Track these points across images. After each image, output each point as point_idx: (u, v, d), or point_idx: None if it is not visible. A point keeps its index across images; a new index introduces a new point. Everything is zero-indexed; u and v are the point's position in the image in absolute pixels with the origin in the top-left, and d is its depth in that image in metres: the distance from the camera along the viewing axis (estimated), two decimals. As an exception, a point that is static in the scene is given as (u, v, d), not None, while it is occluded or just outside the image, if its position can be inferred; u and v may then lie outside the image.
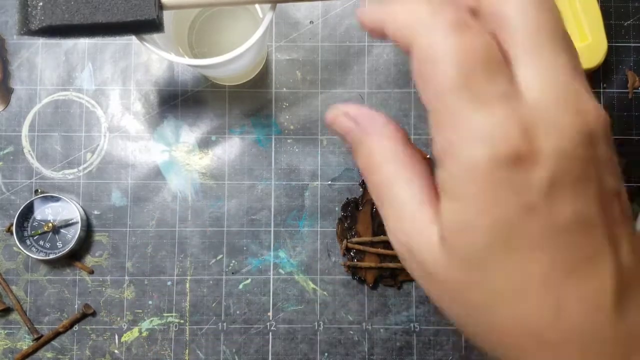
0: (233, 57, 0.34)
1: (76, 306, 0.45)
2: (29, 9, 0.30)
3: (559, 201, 0.17)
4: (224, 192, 0.46)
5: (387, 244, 0.45)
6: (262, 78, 0.46)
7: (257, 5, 0.42)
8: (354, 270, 0.45)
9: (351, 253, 0.45)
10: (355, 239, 0.45)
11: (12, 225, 0.44)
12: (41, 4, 0.30)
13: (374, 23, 0.20)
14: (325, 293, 0.45)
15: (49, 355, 0.45)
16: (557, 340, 0.17)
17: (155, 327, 0.45)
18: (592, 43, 0.45)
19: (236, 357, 0.45)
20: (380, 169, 0.20)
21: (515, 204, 0.17)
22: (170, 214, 0.46)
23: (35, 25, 0.30)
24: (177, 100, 0.46)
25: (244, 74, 0.45)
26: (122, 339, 0.45)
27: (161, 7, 0.30)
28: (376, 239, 0.45)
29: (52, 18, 0.30)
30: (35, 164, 0.46)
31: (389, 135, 0.21)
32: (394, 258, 0.45)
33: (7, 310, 0.45)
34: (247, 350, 0.45)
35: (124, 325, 0.45)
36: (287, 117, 0.46)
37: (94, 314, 0.45)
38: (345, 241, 0.45)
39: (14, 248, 0.45)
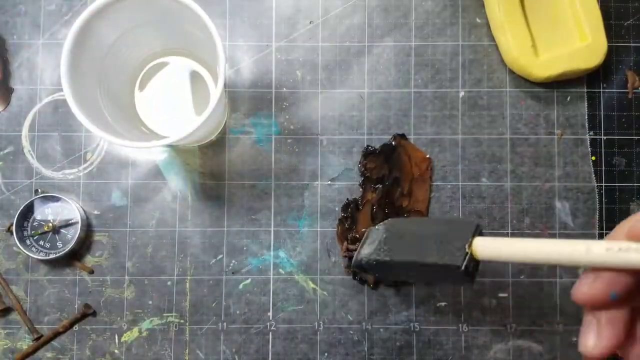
0: (191, 131, 0.34)
1: (76, 306, 0.45)
2: (375, 248, 0.37)
3: None
4: (224, 192, 0.46)
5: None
6: (261, 79, 0.46)
7: (209, 77, 0.44)
8: (354, 272, 0.45)
9: (352, 253, 0.45)
10: (355, 231, 0.45)
11: (12, 225, 0.44)
12: (386, 247, 0.37)
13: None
14: (325, 293, 0.45)
15: (49, 355, 0.45)
16: None
17: (155, 327, 0.45)
18: (592, 43, 0.45)
19: (236, 357, 0.45)
20: None
21: None
22: (170, 214, 0.46)
23: (375, 256, 0.37)
24: (177, 100, 0.46)
25: (205, 137, 0.45)
26: (122, 339, 0.45)
27: (474, 272, 0.34)
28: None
29: (390, 255, 0.36)
30: (35, 164, 0.46)
31: None
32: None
33: (7, 310, 0.45)
34: (247, 350, 0.45)
35: (124, 325, 0.45)
36: (287, 117, 0.46)
37: (94, 314, 0.45)
38: (345, 243, 0.45)
39: (14, 248, 0.45)
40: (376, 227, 0.39)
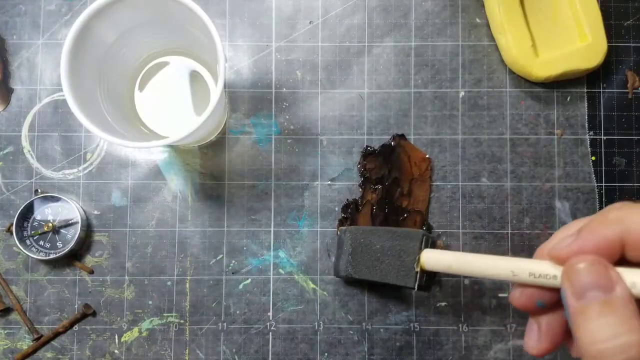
0: (191, 131, 0.34)
1: (76, 306, 0.45)
2: (346, 261, 0.42)
3: None
4: (224, 192, 0.46)
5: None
6: (261, 79, 0.46)
7: (209, 76, 0.45)
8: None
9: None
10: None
11: (12, 225, 0.44)
12: (353, 262, 0.41)
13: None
14: (325, 293, 0.45)
15: (49, 355, 0.45)
16: None
17: (155, 327, 0.45)
18: (592, 43, 0.45)
19: (236, 357, 0.45)
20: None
21: None
22: (170, 214, 0.46)
23: (346, 274, 0.42)
24: (177, 100, 0.46)
25: (205, 138, 0.45)
26: (122, 339, 0.45)
27: (428, 284, 0.38)
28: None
29: (356, 272, 0.41)
30: (35, 164, 0.46)
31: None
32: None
33: (7, 310, 0.45)
34: (247, 350, 0.45)
35: (124, 325, 0.45)
36: (287, 117, 0.46)
37: (94, 314, 0.45)
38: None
39: (14, 248, 0.45)
40: (342, 234, 0.43)
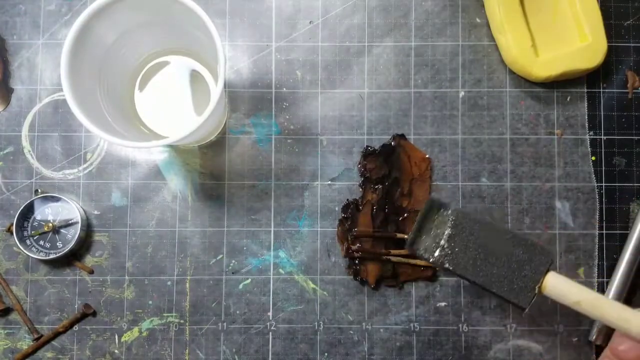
0: (191, 131, 0.34)
1: (76, 306, 0.45)
2: (437, 244, 0.36)
3: None
4: (224, 192, 0.46)
5: (388, 241, 0.45)
6: (261, 79, 0.46)
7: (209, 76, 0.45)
8: (355, 271, 0.45)
9: (354, 253, 0.45)
10: (356, 231, 0.45)
11: (12, 225, 0.44)
12: (449, 250, 0.36)
13: None
14: (325, 293, 0.45)
15: (49, 355, 0.45)
16: None
17: (155, 327, 0.45)
18: (592, 43, 0.45)
19: (236, 357, 0.45)
20: None
21: None
22: (170, 214, 0.46)
23: (435, 260, 0.36)
24: (177, 100, 0.46)
25: (205, 137, 0.45)
26: (122, 339, 0.45)
27: (534, 300, 0.34)
28: (378, 234, 0.45)
29: (454, 265, 0.36)
30: (35, 164, 0.46)
31: None
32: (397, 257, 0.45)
33: (7, 310, 0.45)
34: (247, 350, 0.45)
35: (124, 325, 0.45)
36: (287, 117, 0.46)
37: (94, 314, 0.45)
38: (347, 243, 0.45)
39: (14, 248, 0.45)
40: (442, 212, 0.37)
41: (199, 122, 0.34)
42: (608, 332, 0.44)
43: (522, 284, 0.34)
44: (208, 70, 0.45)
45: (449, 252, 0.36)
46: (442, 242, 0.36)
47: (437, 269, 0.42)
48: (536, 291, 0.34)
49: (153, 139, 0.35)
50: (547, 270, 0.34)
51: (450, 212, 0.37)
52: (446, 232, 0.36)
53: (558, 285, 0.33)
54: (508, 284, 0.34)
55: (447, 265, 0.36)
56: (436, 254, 0.36)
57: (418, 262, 0.45)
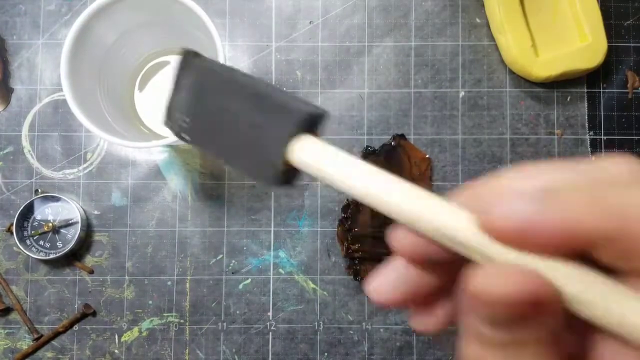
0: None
1: (76, 306, 0.45)
2: (176, 115, 0.26)
3: None
4: (224, 192, 0.46)
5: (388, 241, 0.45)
6: (262, 79, 0.46)
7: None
8: (355, 272, 0.45)
9: (354, 254, 0.45)
10: (357, 232, 0.45)
11: (12, 225, 0.44)
12: (187, 119, 0.25)
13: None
14: (325, 293, 0.45)
15: (49, 355, 0.45)
16: None
17: (155, 327, 0.45)
18: (592, 43, 0.45)
19: (236, 357, 0.45)
20: None
21: None
22: (170, 214, 0.46)
23: (175, 130, 0.26)
24: (177, 100, 0.46)
25: None
26: (122, 339, 0.45)
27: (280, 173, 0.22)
28: (378, 234, 0.45)
29: (191, 134, 0.25)
30: (35, 164, 0.46)
31: None
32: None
33: (7, 310, 0.45)
34: (247, 350, 0.45)
35: (124, 325, 0.45)
36: (287, 117, 0.46)
37: (94, 314, 0.45)
38: (346, 243, 0.45)
39: (14, 248, 0.45)
40: (186, 70, 0.26)
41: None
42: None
43: (266, 155, 0.23)
44: None
45: (188, 121, 0.26)
46: (184, 107, 0.26)
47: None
48: (280, 159, 0.22)
49: (153, 139, 0.35)
50: (299, 131, 0.22)
51: (196, 65, 0.26)
52: (192, 96, 0.26)
53: (311, 151, 0.22)
54: (250, 158, 0.23)
55: (184, 135, 0.26)
56: (179, 125, 0.26)
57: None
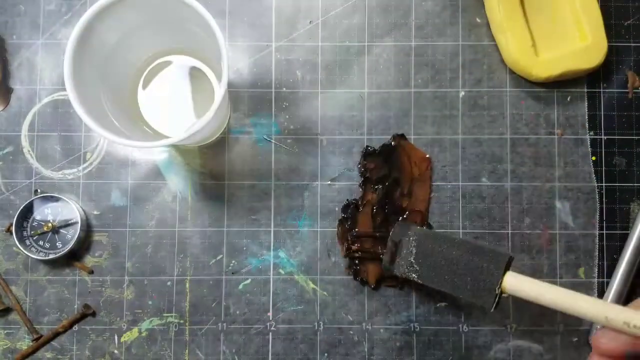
0: (193, 132, 0.34)
1: (76, 306, 0.45)
2: (407, 262, 0.40)
3: None
4: (224, 192, 0.46)
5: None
6: (261, 79, 0.46)
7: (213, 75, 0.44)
8: (355, 272, 0.45)
9: (354, 254, 0.45)
10: (357, 232, 0.45)
11: (11, 225, 0.44)
12: (417, 266, 0.40)
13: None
14: (325, 293, 0.45)
15: (49, 355, 0.45)
16: None
17: (155, 327, 0.45)
18: (592, 43, 0.45)
19: (236, 357, 0.45)
20: None
21: None
22: (170, 214, 0.46)
23: (408, 276, 0.40)
24: (177, 100, 0.46)
25: (208, 137, 0.45)
26: (122, 339, 0.45)
27: (498, 302, 0.37)
28: (379, 234, 0.45)
29: (423, 278, 0.40)
30: (35, 164, 0.46)
31: None
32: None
33: (7, 310, 0.45)
34: (247, 350, 0.45)
35: (124, 325, 0.45)
36: (287, 117, 0.46)
37: (93, 314, 0.45)
38: (347, 243, 0.45)
39: (14, 248, 0.45)
40: (402, 230, 0.41)
41: (204, 120, 0.34)
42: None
43: (484, 286, 0.37)
44: (211, 69, 0.45)
45: (417, 267, 0.40)
46: (411, 259, 0.40)
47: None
48: (496, 292, 0.36)
49: (156, 139, 0.35)
50: (505, 272, 0.36)
51: (412, 233, 0.41)
52: (413, 252, 0.40)
53: (517, 284, 0.35)
54: (472, 289, 0.37)
55: (417, 280, 0.40)
56: (407, 271, 0.40)
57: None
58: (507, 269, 0.37)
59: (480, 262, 0.37)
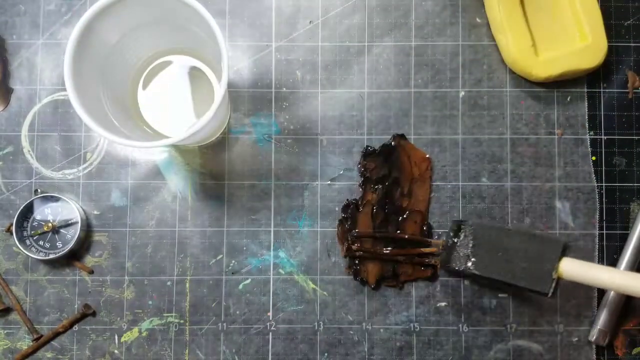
0: (194, 131, 0.34)
1: (76, 306, 0.45)
2: (465, 256, 0.42)
3: None
4: (224, 192, 0.46)
5: (388, 241, 0.45)
6: (261, 79, 0.46)
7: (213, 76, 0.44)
8: (355, 271, 0.45)
9: (355, 253, 0.45)
10: (357, 232, 0.45)
11: (11, 225, 0.44)
12: (475, 259, 0.41)
13: None
14: (325, 293, 0.45)
15: (49, 355, 0.45)
16: None
17: (155, 327, 0.45)
18: (592, 43, 0.45)
19: (236, 357, 0.45)
20: None
21: None
22: (170, 214, 0.46)
23: (467, 269, 0.41)
24: (177, 100, 0.46)
25: (208, 137, 0.45)
26: (122, 339, 0.45)
27: (556, 288, 0.38)
28: (379, 233, 0.45)
29: (482, 270, 0.41)
30: (35, 164, 0.46)
31: None
32: (396, 257, 0.45)
33: (7, 310, 0.45)
34: (247, 350, 0.45)
35: (124, 325, 0.45)
36: (287, 117, 0.46)
37: (93, 314, 0.45)
38: (347, 243, 0.45)
39: (14, 248, 0.45)
40: (459, 226, 0.43)
41: (204, 120, 0.34)
42: (609, 332, 0.44)
43: (541, 273, 0.38)
44: (211, 69, 0.45)
45: (475, 260, 0.41)
46: (469, 253, 0.41)
47: (466, 275, 0.45)
48: (554, 276, 0.38)
49: (156, 139, 0.35)
50: (561, 257, 0.38)
51: (469, 227, 0.42)
52: (470, 245, 0.42)
53: (573, 268, 0.37)
54: (529, 276, 0.39)
55: (477, 272, 0.41)
56: (467, 264, 0.41)
57: (420, 260, 0.45)
58: (563, 255, 0.38)
59: (536, 250, 0.39)
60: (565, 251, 0.39)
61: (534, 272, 0.39)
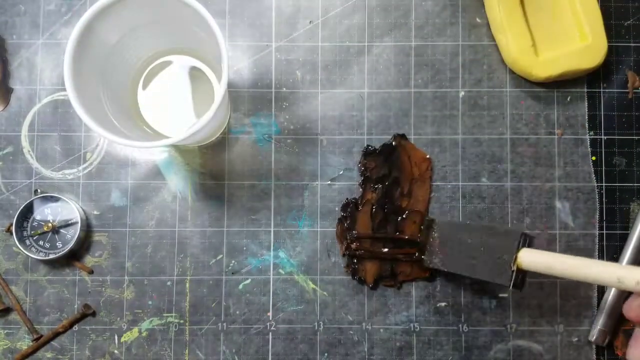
0: (194, 131, 0.34)
1: (76, 306, 0.45)
2: (434, 252, 0.43)
3: None
4: (224, 192, 0.46)
5: (387, 241, 0.45)
6: (261, 79, 0.46)
7: (213, 75, 0.44)
8: (354, 270, 0.45)
9: (355, 252, 0.45)
10: (356, 234, 0.45)
11: (11, 225, 0.44)
12: (441, 254, 0.42)
13: None
14: (325, 293, 0.45)
15: (49, 355, 0.45)
16: None
17: (155, 327, 0.45)
18: (592, 43, 0.45)
19: (236, 357, 0.45)
20: None
21: None
22: (170, 214, 0.46)
23: (434, 265, 0.43)
24: (177, 100, 0.46)
25: (208, 137, 0.45)
26: (122, 339, 0.45)
27: (523, 282, 0.38)
28: (378, 234, 0.45)
29: (447, 265, 0.42)
30: (34, 164, 0.46)
31: None
32: (395, 258, 0.45)
33: (7, 310, 0.45)
34: (247, 350, 0.45)
35: (124, 326, 0.45)
36: (287, 117, 0.46)
37: (93, 314, 0.45)
38: (346, 242, 0.45)
39: (14, 248, 0.45)
40: (428, 225, 0.44)
41: (204, 120, 0.34)
42: (609, 332, 0.44)
43: (501, 265, 0.38)
44: (211, 69, 0.45)
45: (442, 256, 0.42)
46: (436, 249, 0.43)
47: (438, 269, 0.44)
48: (513, 268, 0.37)
49: (156, 139, 0.35)
50: (519, 247, 0.37)
51: (436, 225, 0.43)
52: (437, 242, 0.43)
53: (530, 257, 0.36)
54: (489, 270, 0.39)
55: (442, 268, 0.42)
56: (435, 260, 0.42)
57: (418, 259, 0.45)
58: (524, 245, 0.38)
59: (496, 243, 0.38)
60: (529, 242, 0.38)
61: (494, 264, 0.38)
